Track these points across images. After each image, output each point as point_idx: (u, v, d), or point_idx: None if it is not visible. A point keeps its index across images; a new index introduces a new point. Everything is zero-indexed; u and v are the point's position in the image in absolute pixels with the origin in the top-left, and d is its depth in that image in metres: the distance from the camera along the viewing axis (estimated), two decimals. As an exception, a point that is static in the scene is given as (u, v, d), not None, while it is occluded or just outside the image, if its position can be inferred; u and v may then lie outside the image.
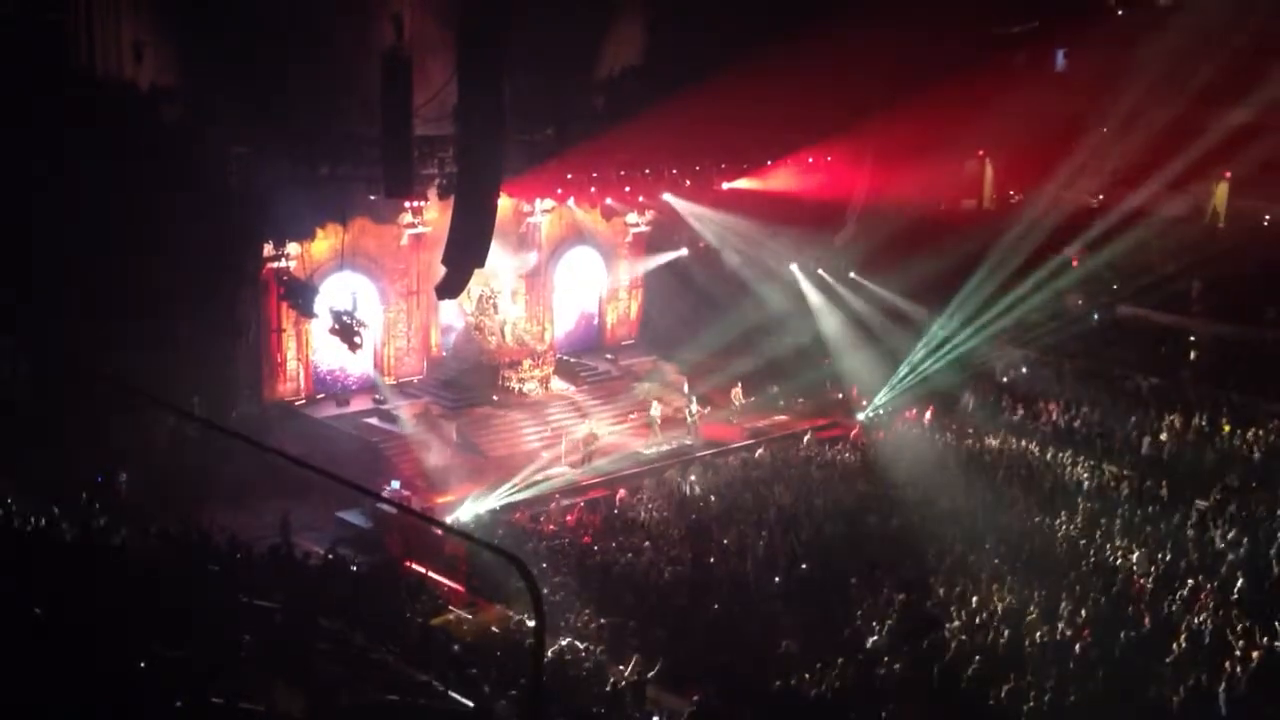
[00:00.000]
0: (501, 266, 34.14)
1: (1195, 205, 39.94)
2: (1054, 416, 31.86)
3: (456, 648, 19.24)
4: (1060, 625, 20.07)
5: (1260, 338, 33.67)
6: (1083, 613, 20.51)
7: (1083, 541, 24.06)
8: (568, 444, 30.66)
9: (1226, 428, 30.14)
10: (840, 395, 35.02)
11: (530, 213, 35.05)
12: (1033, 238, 35.97)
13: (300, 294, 29.39)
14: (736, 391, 33.92)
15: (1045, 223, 36.85)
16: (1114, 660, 18.92)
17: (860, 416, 33.41)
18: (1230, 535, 24.03)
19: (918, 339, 35.33)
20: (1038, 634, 19.84)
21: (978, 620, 20.40)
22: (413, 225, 32.41)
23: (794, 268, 38.64)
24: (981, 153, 41.84)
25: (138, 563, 18.96)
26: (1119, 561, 23.10)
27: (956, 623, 20.31)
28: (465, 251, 28.52)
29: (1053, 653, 19.24)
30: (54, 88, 25.16)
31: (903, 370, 34.55)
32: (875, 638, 19.68)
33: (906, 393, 33.90)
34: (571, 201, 35.22)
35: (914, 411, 33.36)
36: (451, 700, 16.98)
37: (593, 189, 34.59)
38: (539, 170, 32.60)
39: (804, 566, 22.63)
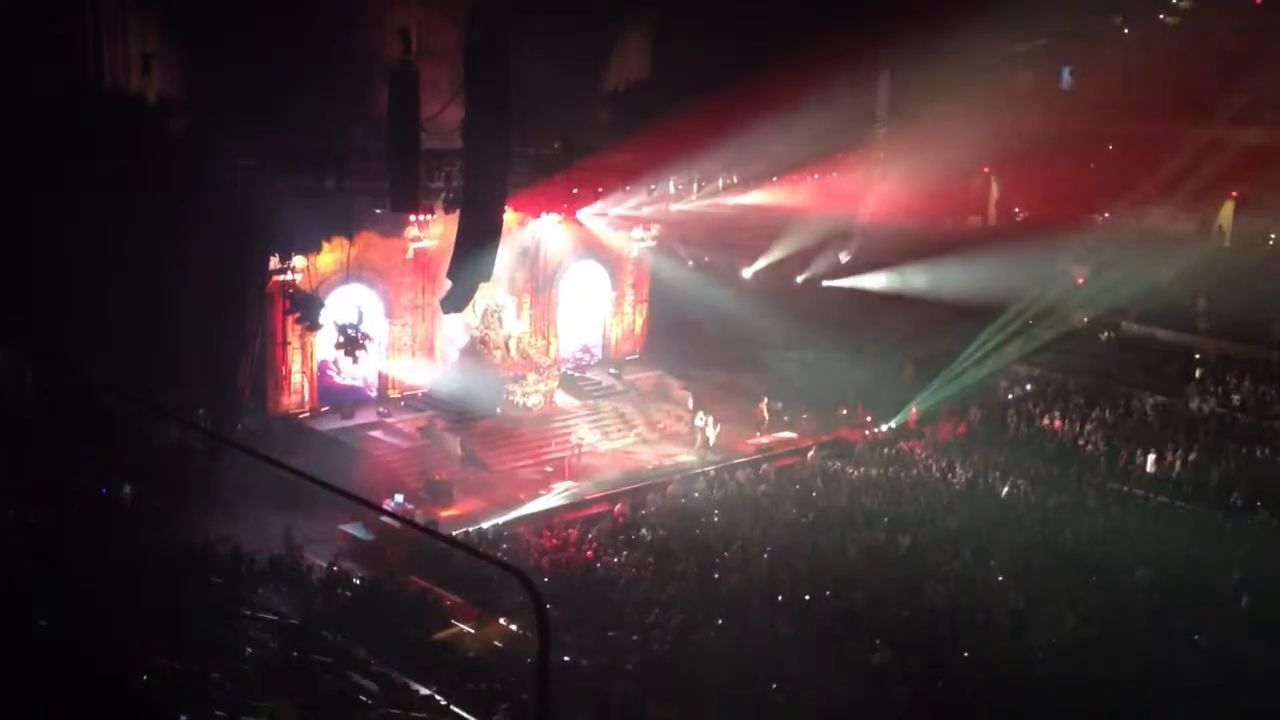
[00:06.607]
0: (506, 280, 34.17)
1: (1201, 224, 39.90)
2: (1059, 434, 31.76)
3: (459, 662, 19.21)
4: (1066, 640, 20.02)
5: (1266, 357, 33.60)
6: (1089, 629, 20.47)
7: (1089, 558, 23.99)
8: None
9: (1232, 446, 30.07)
10: (845, 411, 34.94)
11: (535, 227, 35.06)
12: (1037, 255, 35.99)
13: (305, 306, 29.40)
14: (763, 406, 33.88)
15: (1050, 240, 36.86)
16: (1118, 674, 18.87)
17: (866, 432, 33.32)
18: (1237, 553, 23.99)
19: (926, 355, 35.29)
20: (1044, 649, 19.78)
21: (983, 635, 20.33)
22: (418, 239, 32.46)
23: (799, 280, 38.67)
24: (987, 169, 41.84)
25: (139, 574, 18.93)
26: (1124, 576, 23.03)
27: (962, 638, 20.24)
28: (470, 265, 28.59)
29: (1058, 668, 19.19)
30: (62, 99, 25.22)
31: (911, 387, 34.53)
32: (880, 654, 19.60)
33: (914, 409, 33.84)
34: (577, 215, 35.23)
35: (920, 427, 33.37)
36: (454, 715, 16.94)
37: (598, 203, 34.62)
38: (545, 184, 32.64)
39: (808, 583, 22.55)
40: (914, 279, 37.23)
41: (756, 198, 37.54)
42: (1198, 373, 33.46)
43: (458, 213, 29.29)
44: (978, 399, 34.02)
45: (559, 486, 29.30)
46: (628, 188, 34.84)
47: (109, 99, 26.74)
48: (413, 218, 31.31)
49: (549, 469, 30.63)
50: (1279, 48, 34.88)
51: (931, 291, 36.14)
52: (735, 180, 36.77)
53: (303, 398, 31.31)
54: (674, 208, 36.46)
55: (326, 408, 31.78)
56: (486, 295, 32.75)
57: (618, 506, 27.73)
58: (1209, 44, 35.73)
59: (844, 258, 38.95)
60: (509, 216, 31.22)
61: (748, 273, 38.83)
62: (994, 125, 35.65)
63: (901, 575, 22.98)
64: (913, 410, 33.79)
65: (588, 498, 28.78)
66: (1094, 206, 39.98)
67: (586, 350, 38.22)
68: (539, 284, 35.93)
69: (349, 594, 22.02)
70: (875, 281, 38.08)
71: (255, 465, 22.41)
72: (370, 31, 29.42)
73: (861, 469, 30.17)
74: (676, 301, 37.99)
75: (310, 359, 31.28)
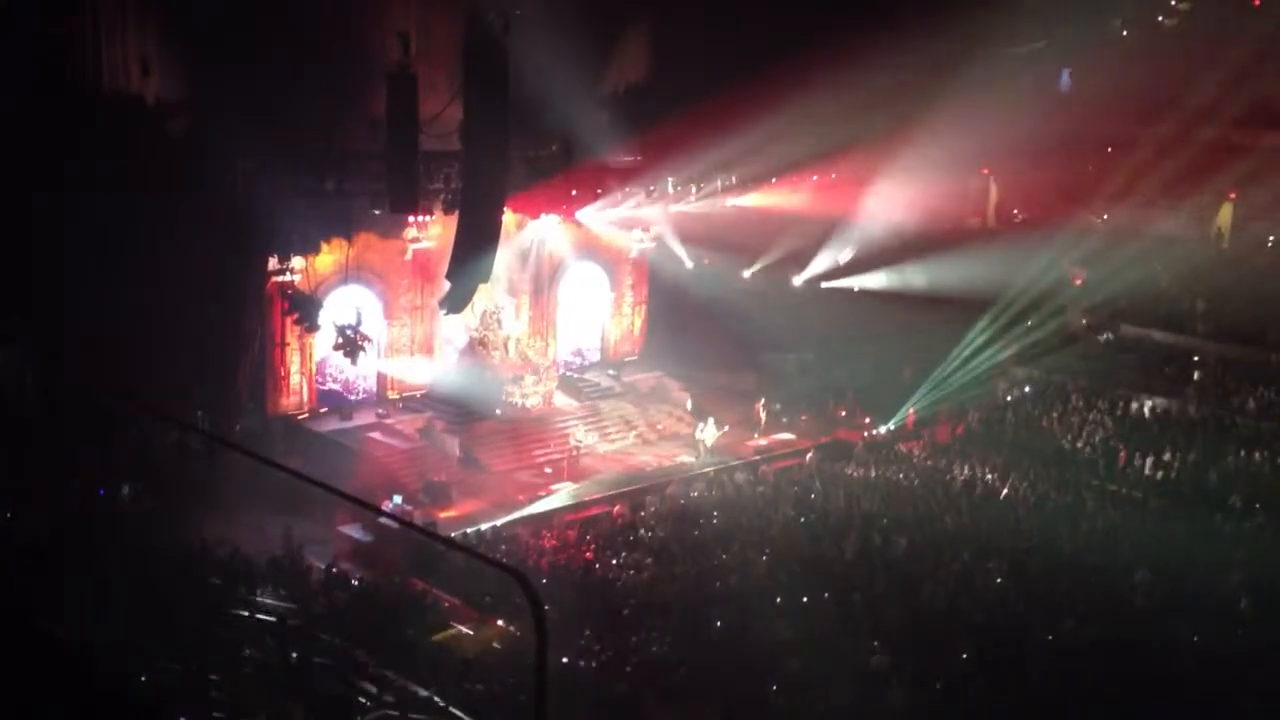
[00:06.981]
0: (505, 281, 34.19)
1: (1200, 226, 39.93)
2: (1058, 436, 31.76)
3: (458, 664, 19.21)
4: (1065, 642, 20.01)
5: (1264, 359, 33.61)
6: (1088, 630, 20.46)
7: (1087, 560, 24.00)
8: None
9: (1231, 448, 30.04)
10: (844, 412, 34.96)
11: (534, 228, 35.05)
12: (1037, 256, 36.01)
13: (304, 308, 29.43)
14: (760, 408, 33.92)
15: (1049, 241, 36.89)
16: (1118, 675, 18.87)
17: (864, 434, 33.32)
18: (1236, 556, 24.00)
19: (924, 357, 35.28)
20: (1043, 651, 19.78)
21: (982, 637, 20.33)
22: (417, 240, 32.48)
23: (797, 282, 38.70)
24: (986, 171, 41.86)
25: (137, 575, 18.92)
26: (1123, 578, 23.03)
27: (961, 640, 20.24)
28: (469, 266, 28.66)
29: (1058, 670, 19.18)
30: (62, 99, 25.25)
31: (911, 388, 34.54)
32: (879, 656, 19.61)
33: (912, 410, 33.85)
34: (576, 216, 35.25)
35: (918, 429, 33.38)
36: (453, 716, 16.93)
37: (597, 204, 34.64)
38: (544, 185, 32.67)
39: (806, 584, 22.54)
40: (913, 280, 37.29)
41: (755, 199, 37.58)
42: (1196, 375, 33.48)
43: (456, 214, 29.33)
44: (976, 401, 34.03)
45: (558, 488, 29.30)
46: (627, 189, 34.85)
47: (109, 99, 26.78)
48: (411, 219, 31.33)
49: (548, 470, 30.64)
50: (1277, 49, 34.88)
51: (930, 293, 36.20)
52: (734, 181, 36.81)
53: (301, 399, 31.31)
54: (673, 209, 36.48)
55: (325, 409, 31.80)
56: (485, 296, 32.80)
57: (617, 508, 27.74)
58: (1208, 46, 35.72)
59: (843, 259, 38.98)
60: (508, 218, 31.29)
61: (747, 274, 38.84)
62: (993, 127, 35.65)
63: (900, 577, 22.97)
64: (910, 412, 33.81)
65: (587, 499, 28.78)
66: (1093, 208, 40.01)
67: (579, 353, 38.12)
68: (538, 285, 35.93)
69: (348, 595, 22.01)
70: (874, 282, 38.14)
71: (254, 466, 22.48)
72: (370, 33, 29.47)
73: (860, 470, 30.19)
74: (676, 302, 38.01)
75: (309, 360, 31.29)
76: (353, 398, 32.65)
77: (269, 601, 21.13)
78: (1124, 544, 24.94)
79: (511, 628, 20.42)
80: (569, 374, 36.19)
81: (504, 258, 32.13)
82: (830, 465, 30.76)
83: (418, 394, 33.48)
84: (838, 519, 26.28)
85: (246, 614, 19.67)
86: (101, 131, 25.46)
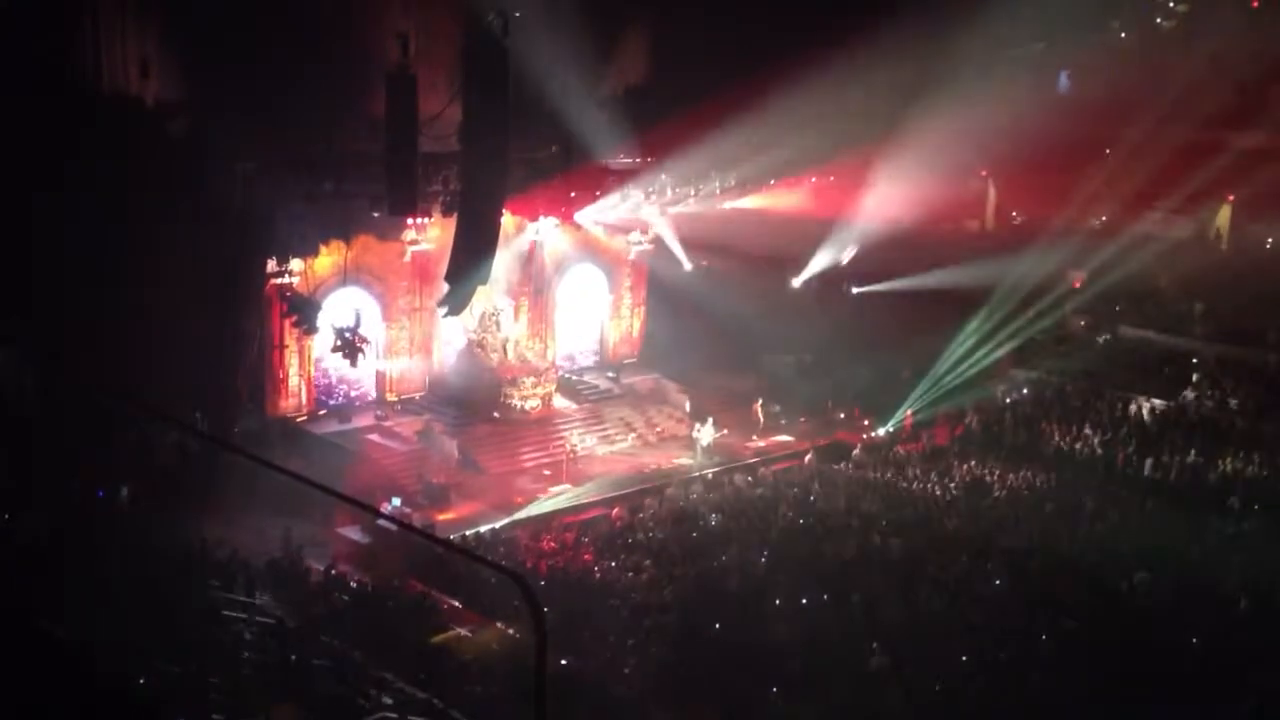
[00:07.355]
0: (504, 283, 34.17)
1: (1199, 227, 39.95)
2: (1056, 439, 31.77)
3: (457, 666, 19.22)
4: (1065, 643, 20.03)
5: (1262, 360, 33.63)
6: (1087, 632, 20.47)
7: (1086, 562, 24.01)
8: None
9: (1229, 449, 30.06)
10: (843, 414, 34.94)
11: (533, 230, 35.05)
12: (1035, 258, 36.02)
13: (303, 310, 29.37)
14: (757, 408, 33.91)
15: (1048, 244, 36.91)
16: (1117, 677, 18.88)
17: (863, 436, 33.30)
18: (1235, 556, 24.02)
19: (923, 359, 35.28)
20: (1041, 653, 19.79)
21: (980, 639, 20.34)
22: (416, 242, 32.45)
23: (796, 283, 38.68)
24: (985, 173, 41.85)
25: (136, 576, 18.91)
26: (1122, 580, 23.04)
27: (960, 642, 20.25)
28: (468, 268, 28.63)
29: (1057, 673, 19.19)
30: (62, 99, 25.24)
31: (910, 390, 34.54)
32: (877, 658, 19.61)
33: (910, 412, 33.85)
34: (575, 218, 35.23)
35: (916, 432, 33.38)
36: (451, 718, 16.93)
37: (596, 206, 34.62)
38: (542, 188, 32.66)
39: (805, 586, 22.54)
40: (911, 281, 37.29)
41: (754, 201, 37.56)
42: (1195, 376, 33.49)
43: (455, 216, 29.31)
44: (975, 402, 34.03)
45: (557, 490, 29.28)
46: (626, 191, 34.84)
47: (109, 100, 26.78)
48: (410, 221, 31.30)
49: (546, 472, 30.61)
50: (1276, 50, 34.92)
51: (929, 294, 36.20)
52: (733, 183, 36.80)
53: (300, 401, 31.27)
54: (672, 211, 36.47)
55: (324, 411, 31.77)
56: (484, 298, 32.75)
57: (615, 510, 27.70)
58: (1206, 47, 35.76)
59: (842, 260, 38.97)
60: (507, 219, 31.24)
61: (745, 275, 38.76)
62: (992, 129, 35.67)
63: (898, 579, 22.97)
64: (909, 413, 33.79)
65: (585, 501, 28.75)
66: (1091, 210, 40.02)
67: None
68: (537, 287, 35.88)
69: (347, 597, 22.01)
70: (873, 284, 38.14)
71: (254, 468, 22.47)
72: (370, 33, 29.46)
73: (859, 472, 30.18)
74: (674, 304, 37.98)
75: (307, 362, 31.25)
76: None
77: (268, 603, 21.15)
78: (1124, 544, 24.93)
79: (511, 630, 20.42)
80: (568, 376, 36.16)
81: (503, 260, 32.11)
82: (829, 467, 30.74)
83: (416, 396, 33.46)
84: (836, 520, 26.28)
85: (245, 616, 19.68)
86: (101, 132, 25.44)
